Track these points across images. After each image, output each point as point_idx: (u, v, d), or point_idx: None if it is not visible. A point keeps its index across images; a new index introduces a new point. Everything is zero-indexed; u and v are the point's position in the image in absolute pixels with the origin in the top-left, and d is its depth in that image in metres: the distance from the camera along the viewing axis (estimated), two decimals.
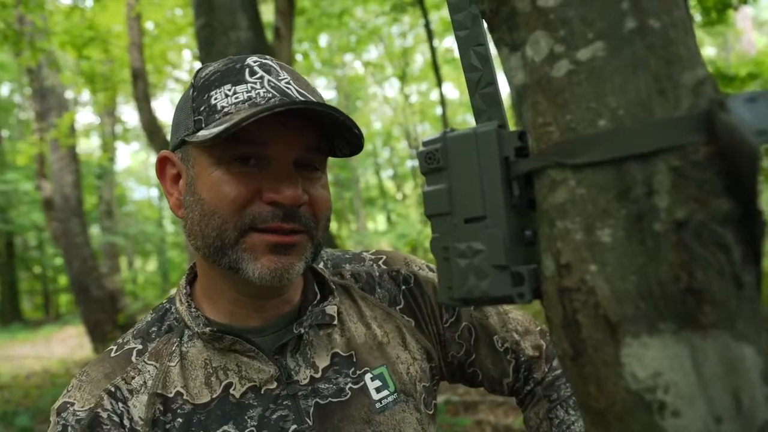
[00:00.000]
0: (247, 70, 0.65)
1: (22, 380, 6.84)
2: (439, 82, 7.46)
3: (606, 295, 0.37)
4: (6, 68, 12.56)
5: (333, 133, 0.66)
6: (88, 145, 18.58)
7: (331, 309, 0.72)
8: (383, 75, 18.47)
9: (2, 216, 14.76)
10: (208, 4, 5.03)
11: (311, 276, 0.77)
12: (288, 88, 0.65)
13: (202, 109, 0.64)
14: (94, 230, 16.56)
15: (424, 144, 0.49)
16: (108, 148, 15.80)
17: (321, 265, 0.80)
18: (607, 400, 0.38)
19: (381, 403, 0.71)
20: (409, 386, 0.74)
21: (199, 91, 0.66)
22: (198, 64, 5.06)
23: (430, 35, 7.62)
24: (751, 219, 0.34)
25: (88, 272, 6.12)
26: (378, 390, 0.71)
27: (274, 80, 0.65)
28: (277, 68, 0.67)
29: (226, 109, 0.62)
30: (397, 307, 0.79)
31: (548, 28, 0.40)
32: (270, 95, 0.63)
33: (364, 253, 0.84)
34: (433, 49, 7.56)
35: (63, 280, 16.61)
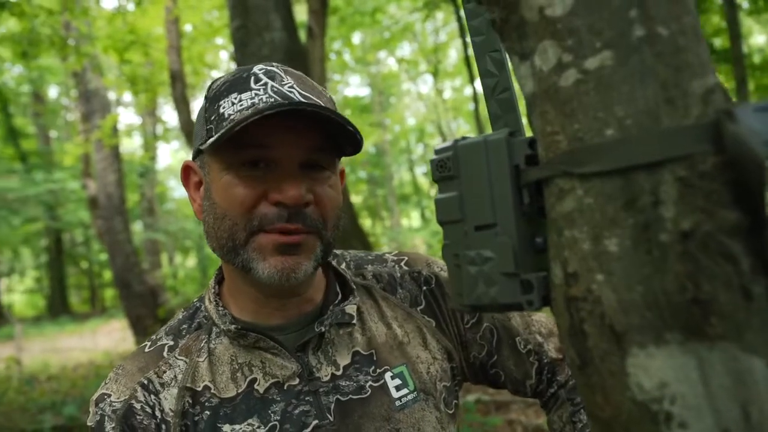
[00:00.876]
0: (252, 78, 0.67)
1: (69, 371, 7.15)
2: (472, 78, 7.40)
3: (612, 305, 0.37)
4: (53, 72, 13.11)
5: (337, 133, 0.68)
6: (131, 145, 19.21)
7: (351, 309, 0.74)
8: (417, 71, 18.42)
9: (51, 214, 15.42)
10: (243, 6, 5.13)
11: (333, 276, 0.79)
12: (291, 91, 0.67)
13: (212, 118, 0.67)
14: (137, 227, 17.12)
15: (436, 152, 0.49)
16: (149, 147, 16.30)
17: (343, 266, 0.81)
18: (613, 409, 0.38)
19: (401, 401, 0.72)
20: (429, 385, 0.75)
21: (210, 102, 0.69)
22: (234, 65, 5.16)
23: (463, 31, 7.56)
24: (760, 230, 0.34)
25: (130, 268, 6.35)
26: (398, 388, 0.72)
27: (277, 86, 0.67)
28: (282, 74, 0.69)
29: (232, 117, 0.64)
30: (418, 308, 0.79)
31: (556, 38, 0.40)
32: (272, 100, 0.65)
33: (387, 255, 0.85)
34: (466, 45, 7.49)
35: (108, 275, 17.21)
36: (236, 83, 0.68)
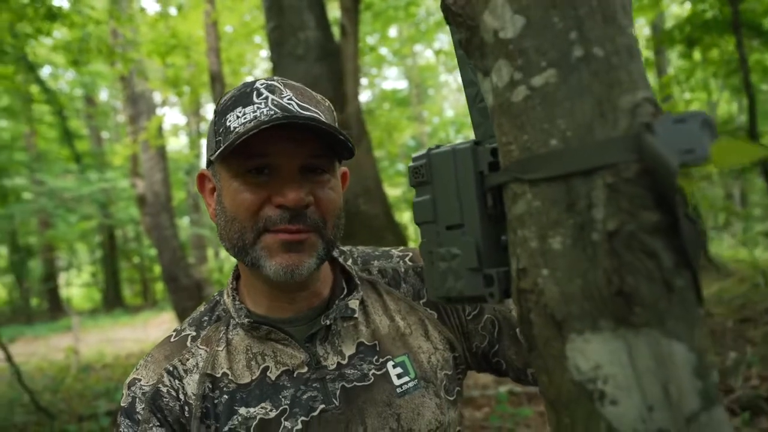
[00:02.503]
0: (254, 92, 0.73)
1: (122, 360, 7.54)
2: None
3: (554, 297, 0.42)
4: (103, 76, 13.71)
5: (333, 140, 0.73)
6: (177, 144, 19.87)
7: (353, 303, 0.79)
8: (454, 63, 18.25)
9: (104, 211, 16.17)
10: (278, 7, 5.24)
11: (340, 272, 0.85)
12: (290, 103, 0.72)
13: (220, 131, 0.73)
14: (183, 223, 17.75)
15: (413, 160, 0.55)
16: (194, 145, 16.84)
17: (350, 262, 0.87)
18: (555, 389, 0.43)
19: (402, 388, 0.77)
20: (430, 374, 0.80)
21: (218, 116, 0.75)
22: (270, 65, 5.30)
23: None
24: (679, 229, 0.38)
25: (177, 262, 6.64)
26: (399, 376, 0.78)
27: (277, 98, 0.72)
28: (281, 87, 0.75)
29: (236, 129, 0.71)
30: (421, 301, 0.85)
31: (509, 58, 0.45)
32: (273, 112, 0.70)
33: (393, 251, 0.90)
34: None
35: (157, 269, 17.92)
36: (240, 98, 0.74)
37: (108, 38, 6.20)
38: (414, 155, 0.55)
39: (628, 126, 0.40)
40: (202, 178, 0.80)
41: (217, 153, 0.70)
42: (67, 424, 4.36)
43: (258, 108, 0.71)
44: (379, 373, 0.77)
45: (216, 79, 5.44)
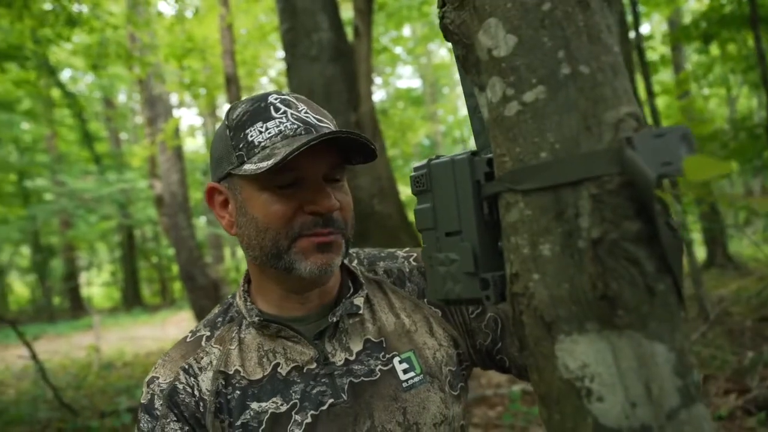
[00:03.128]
0: (271, 107, 0.77)
1: (142, 358, 7.67)
2: None
3: (544, 300, 0.45)
4: (122, 78, 13.94)
5: (348, 148, 0.78)
6: (194, 144, 20.11)
7: (359, 301, 0.83)
8: None
9: (123, 212, 16.43)
10: (292, 9, 5.29)
11: (346, 273, 0.88)
12: (307, 117, 0.77)
13: (241, 145, 0.75)
14: (200, 222, 17.96)
15: (414, 170, 0.58)
16: (211, 145, 16.98)
17: (355, 263, 0.91)
18: (546, 386, 0.45)
19: (407, 383, 0.79)
20: (435, 369, 0.82)
21: (234, 131, 0.77)
22: (284, 66, 5.35)
23: None
24: (658, 237, 0.40)
25: (194, 262, 6.74)
26: (405, 372, 0.80)
27: (295, 112, 0.77)
28: (295, 101, 0.79)
29: (263, 144, 0.74)
30: (425, 299, 0.87)
31: (501, 75, 0.48)
32: (296, 126, 0.75)
33: (398, 252, 0.94)
34: None
35: (175, 269, 18.15)
36: (257, 112, 0.76)
37: (126, 43, 6.32)
38: (415, 165, 0.57)
39: (611, 140, 0.43)
40: (211, 191, 0.83)
41: (245, 168, 0.73)
42: (89, 420, 4.46)
43: (280, 122, 0.75)
44: (385, 368, 0.80)
45: (231, 81, 5.51)
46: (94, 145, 17.47)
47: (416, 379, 0.80)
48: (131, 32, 6.18)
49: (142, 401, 0.79)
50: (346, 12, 7.32)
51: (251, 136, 0.75)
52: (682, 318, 0.43)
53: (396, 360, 0.81)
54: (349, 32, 5.57)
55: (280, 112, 0.76)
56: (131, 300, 18.73)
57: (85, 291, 21.60)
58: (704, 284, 5.05)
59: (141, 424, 0.77)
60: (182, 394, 0.77)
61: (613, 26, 0.47)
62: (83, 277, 21.86)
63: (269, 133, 0.74)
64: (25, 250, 20.39)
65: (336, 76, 5.14)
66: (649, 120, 5.27)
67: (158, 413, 0.77)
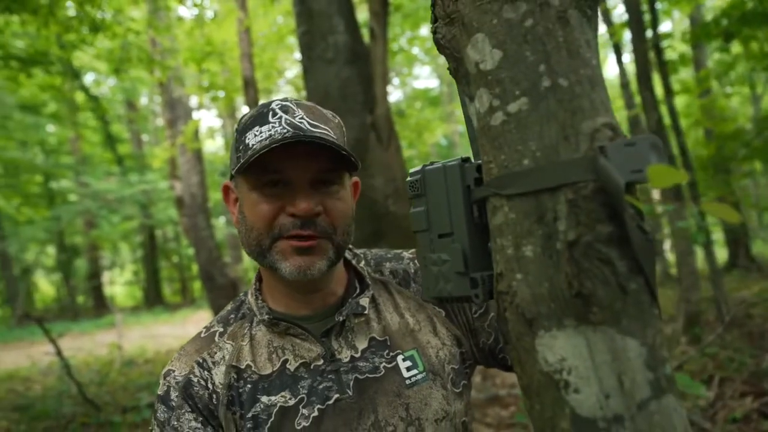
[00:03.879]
0: (270, 113, 0.81)
1: (162, 355, 7.83)
2: None
3: (525, 298, 0.48)
4: (143, 81, 14.21)
5: (343, 154, 0.79)
6: (214, 145, 20.38)
7: (364, 301, 0.86)
8: None
9: (145, 212, 16.75)
10: (308, 12, 5.36)
11: (353, 274, 0.92)
12: (301, 122, 0.79)
13: (240, 148, 0.81)
14: (219, 223, 18.20)
15: (410, 175, 0.61)
16: (229, 147, 17.21)
17: (362, 264, 0.94)
18: (527, 378, 0.48)
19: (410, 380, 0.83)
20: (438, 367, 0.85)
21: (238, 134, 0.83)
22: (301, 69, 5.41)
23: None
24: (629, 240, 0.43)
25: (213, 262, 6.85)
26: (408, 369, 0.83)
27: (290, 118, 0.79)
28: (294, 107, 0.82)
29: (254, 146, 0.77)
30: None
31: (488, 86, 0.51)
32: (285, 130, 0.77)
33: (404, 253, 0.97)
34: None
35: (195, 268, 18.40)
36: (258, 118, 0.81)
37: (147, 47, 6.46)
38: (411, 171, 0.61)
39: (587, 149, 0.46)
40: (226, 189, 0.89)
41: (236, 167, 0.78)
42: (111, 415, 4.58)
43: (273, 127, 0.79)
44: (389, 365, 0.84)
45: (249, 84, 5.60)
46: (117, 147, 17.82)
47: (419, 377, 0.84)
48: (152, 37, 6.33)
49: (159, 393, 0.83)
50: (362, 14, 7.36)
51: (248, 139, 0.80)
52: (655, 315, 0.46)
53: (400, 358, 0.84)
54: (365, 34, 5.61)
55: (276, 117, 0.80)
56: (152, 299, 19.05)
57: (108, 290, 22.02)
58: (724, 286, 4.98)
59: (157, 414, 0.81)
60: (196, 386, 0.81)
61: (592, 41, 0.50)
62: (106, 276, 22.29)
63: (261, 136, 0.78)
64: (51, 250, 20.88)
65: (352, 79, 5.18)
66: (667, 119, 5.21)
67: (174, 404, 0.81)
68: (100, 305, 18.14)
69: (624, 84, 8.57)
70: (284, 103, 0.83)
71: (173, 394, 0.82)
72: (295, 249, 0.79)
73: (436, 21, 0.56)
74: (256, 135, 0.79)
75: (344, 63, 5.20)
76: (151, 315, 15.42)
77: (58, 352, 4.66)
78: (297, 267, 0.78)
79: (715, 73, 8.19)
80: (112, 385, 5.84)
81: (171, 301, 20.68)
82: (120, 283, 24.68)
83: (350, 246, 0.93)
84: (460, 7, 0.52)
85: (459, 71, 0.56)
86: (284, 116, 0.80)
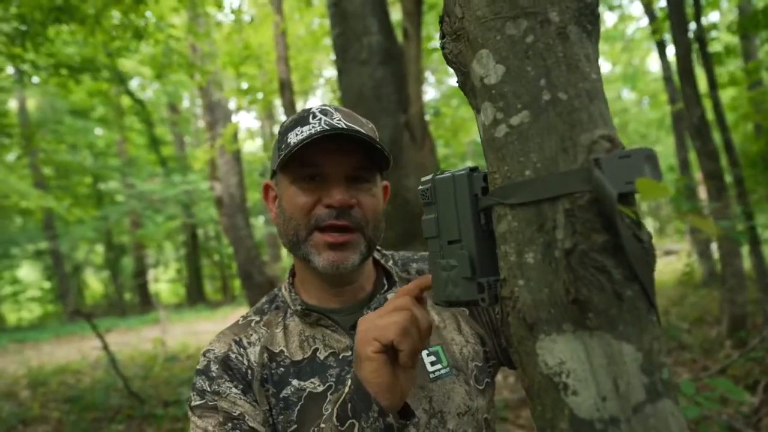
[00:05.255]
0: (310, 115, 0.87)
1: None
2: None
3: (527, 303, 0.50)
4: (184, 84, 14.65)
5: (376, 153, 0.85)
6: (253, 146, 20.81)
7: (391, 297, 0.90)
8: None
9: (187, 212, 17.26)
10: (342, 14, 5.42)
11: (382, 271, 0.96)
12: (339, 123, 0.85)
13: (282, 147, 0.87)
14: (258, 222, 18.57)
15: (421, 183, 0.64)
16: (267, 148, 17.58)
17: (390, 263, 0.98)
18: (529, 380, 0.50)
19: (434, 374, 0.86)
20: (461, 363, 0.88)
21: (280, 135, 0.89)
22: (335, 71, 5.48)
23: None
24: (624, 248, 0.45)
25: (251, 261, 7.02)
26: (432, 364, 0.86)
27: (328, 119, 0.86)
28: (332, 110, 0.88)
29: (295, 143, 0.83)
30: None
31: (492, 100, 0.53)
32: (323, 129, 0.83)
33: None
34: None
35: (235, 266, 18.81)
36: (299, 120, 0.87)
37: (188, 52, 6.68)
38: (423, 179, 0.64)
39: (584, 161, 0.47)
40: (267, 188, 0.95)
41: (278, 162, 0.84)
42: (154, 408, 4.76)
43: (312, 127, 0.84)
44: None
45: (285, 86, 5.71)
46: (161, 149, 18.42)
47: (443, 371, 0.87)
48: (192, 43, 6.54)
49: (199, 367, 0.88)
50: (396, 14, 7.38)
51: (289, 138, 0.86)
52: (652, 321, 0.47)
53: (424, 353, 0.87)
54: (399, 34, 5.63)
55: (316, 118, 0.86)
56: (195, 296, 19.60)
57: (152, 287, 22.78)
58: None
59: (196, 385, 0.86)
60: (234, 361, 0.87)
61: (592, 54, 0.51)
62: (151, 274, 23.05)
63: (302, 134, 0.84)
64: (99, 249, 21.77)
65: (386, 79, 5.22)
66: (710, 114, 5.03)
67: (214, 375, 0.86)
68: (146, 302, 18.79)
69: (667, 78, 8.31)
70: (323, 107, 0.89)
71: (213, 367, 0.87)
72: (329, 244, 0.84)
73: (444, 37, 0.59)
74: (297, 134, 0.85)
75: (378, 63, 5.24)
76: (193, 312, 15.88)
77: (105, 347, 4.88)
78: (330, 261, 0.84)
79: (766, 65, 7.84)
80: (156, 379, 6.06)
81: (212, 298, 21.21)
82: (164, 281, 25.48)
83: (379, 247, 0.98)
84: (466, 24, 0.55)
85: (466, 85, 0.58)
86: (323, 118, 0.86)
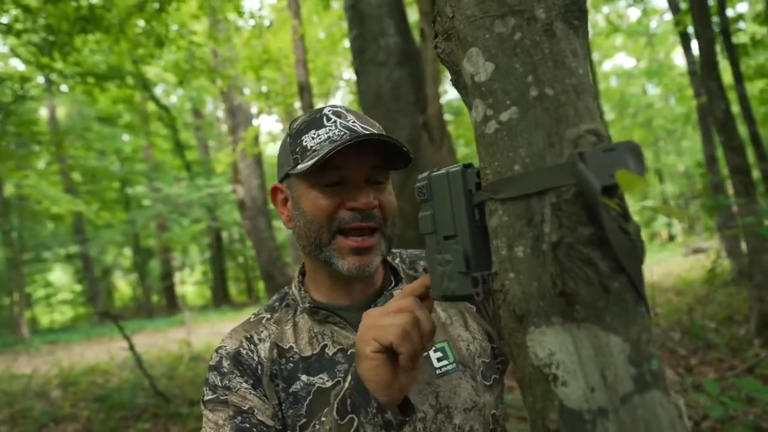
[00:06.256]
0: (324, 117, 0.88)
1: None
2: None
3: (517, 296, 0.50)
4: (207, 90, 14.90)
5: (389, 154, 0.86)
6: (274, 149, 21.03)
7: (398, 292, 0.91)
8: None
9: (211, 215, 17.53)
10: (359, 16, 5.45)
11: (389, 268, 0.98)
12: (354, 125, 0.86)
13: (297, 150, 0.87)
14: (281, 224, 18.73)
15: (418, 181, 0.65)
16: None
17: (397, 260, 1.00)
18: (520, 371, 0.51)
19: (440, 370, 0.87)
20: (468, 360, 0.89)
21: (293, 138, 0.89)
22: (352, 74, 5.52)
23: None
24: (608, 241, 0.45)
25: (273, 262, 7.11)
26: (439, 360, 0.87)
27: (343, 122, 0.87)
28: (345, 112, 0.89)
29: (313, 147, 0.84)
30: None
31: (482, 97, 0.54)
32: (342, 133, 0.85)
33: None
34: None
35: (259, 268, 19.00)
36: (312, 122, 0.87)
37: (209, 58, 6.81)
38: (419, 177, 0.65)
39: (570, 155, 0.48)
40: (275, 191, 0.96)
41: (298, 168, 0.85)
42: (179, 407, 4.86)
43: (330, 129, 0.85)
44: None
45: (304, 89, 5.77)
46: (185, 154, 18.75)
47: (449, 367, 0.88)
48: (213, 48, 6.67)
49: (211, 363, 0.90)
50: (413, 15, 7.39)
51: (305, 141, 0.86)
52: (640, 313, 0.47)
53: (431, 349, 0.88)
54: (416, 35, 5.64)
55: (331, 121, 0.87)
56: (220, 298, 19.88)
57: (179, 289, 23.19)
58: None
59: (209, 381, 0.89)
60: (245, 357, 0.89)
61: (579, 50, 0.52)
62: (177, 277, 23.46)
63: (320, 138, 0.85)
64: (128, 252, 22.25)
65: (403, 80, 5.24)
66: (735, 107, 4.91)
67: (225, 370, 0.88)
68: (172, 304, 19.14)
69: (692, 72, 8.13)
70: (336, 108, 0.90)
71: (225, 363, 0.89)
72: (353, 249, 0.85)
73: (437, 36, 0.60)
74: (313, 138, 0.85)
75: (395, 65, 5.26)
76: (218, 313, 16.10)
77: (131, 347, 4.99)
78: (356, 266, 0.85)
79: None
80: (181, 379, 6.17)
81: (237, 300, 21.48)
82: (190, 283, 25.91)
83: None
84: (456, 24, 0.56)
85: (459, 83, 0.59)
86: (338, 120, 0.87)
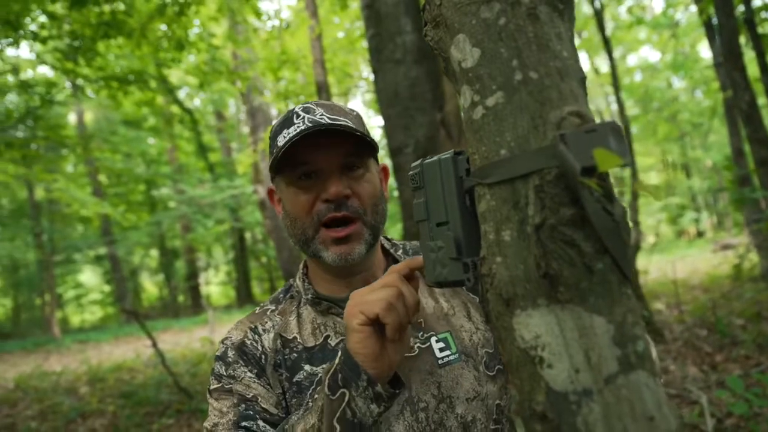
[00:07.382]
0: (294, 115, 0.90)
1: None
2: (608, 49, 6.86)
3: (503, 279, 0.51)
4: (229, 92, 15.09)
5: (361, 140, 0.87)
6: None
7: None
8: None
9: (234, 215, 17.76)
10: (376, 15, 5.46)
11: (392, 261, 0.99)
12: (321, 118, 0.87)
13: (273, 151, 0.90)
14: None
15: (411, 169, 0.66)
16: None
17: (400, 252, 1.01)
18: (508, 354, 0.51)
19: (443, 360, 0.87)
20: (471, 350, 0.90)
21: (271, 140, 0.93)
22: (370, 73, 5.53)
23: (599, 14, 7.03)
24: (590, 222, 0.45)
25: (294, 261, 7.17)
26: (441, 350, 0.88)
27: (311, 116, 0.88)
28: (315, 107, 0.91)
29: (281, 146, 0.86)
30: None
31: (469, 83, 0.55)
32: (307, 127, 0.85)
33: None
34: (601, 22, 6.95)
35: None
36: (285, 122, 0.90)
37: (229, 60, 6.91)
38: (412, 164, 0.65)
39: (553, 137, 0.48)
40: (271, 192, 0.99)
41: (270, 166, 0.88)
42: (201, 403, 4.94)
43: (297, 127, 0.87)
44: (423, 346, 0.89)
45: (322, 89, 5.81)
46: (208, 155, 19.02)
47: (452, 357, 0.88)
48: (233, 50, 6.76)
49: (217, 353, 0.93)
50: None
51: (279, 141, 0.89)
52: (625, 294, 0.47)
53: (433, 339, 0.89)
54: None
55: (300, 118, 0.89)
56: (244, 297, 20.11)
57: (204, 290, 23.53)
58: None
59: (215, 370, 0.91)
60: (249, 347, 0.91)
61: (564, 33, 0.52)
62: (202, 277, 23.82)
63: (288, 136, 0.87)
64: (154, 253, 22.69)
65: (420, 78, 5.23)
66: (762, 98, 4.77)
67: (230, 360, 0.90)
68: (197, 304, 19.44)
69: (718, 64, 7.94)
70: (306, 105, 0.92)
71: (230, 353, 0.91)
72: (334, 240, 0.87)
73: (426, 25, 0.60)
74: (285, 137, 0.88)
75: (413, 62, 5.25)
76: (242, 313, 16.28)
77: (154, 345, 5.10)
78: (339, 254, 0.87)
79: None
80: (204, 376, 6.27)
81: (261, 299, 21.69)
82: (215, 283, 26.27)
83: (390, 237, 1.02)
84: (444, 11, 0.56)
85: (448, 69, 0.59)
86: (306, 116, 0.89)
